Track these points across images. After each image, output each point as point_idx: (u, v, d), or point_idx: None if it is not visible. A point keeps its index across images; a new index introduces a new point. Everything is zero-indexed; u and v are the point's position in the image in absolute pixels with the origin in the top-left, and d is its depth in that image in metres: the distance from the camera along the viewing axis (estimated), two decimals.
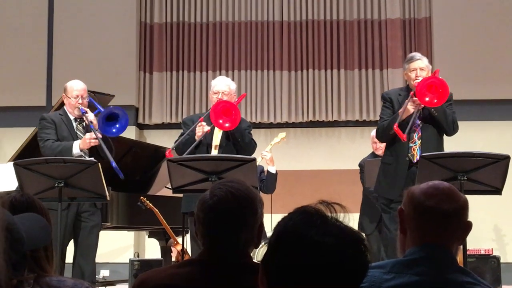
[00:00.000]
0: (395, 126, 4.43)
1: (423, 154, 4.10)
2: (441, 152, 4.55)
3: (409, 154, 4.60)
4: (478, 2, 7.65)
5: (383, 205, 4.64)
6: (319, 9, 7.95)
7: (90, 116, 4.71)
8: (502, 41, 7.58)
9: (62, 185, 4.12)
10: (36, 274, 1.70)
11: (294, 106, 7.86)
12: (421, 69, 4.67)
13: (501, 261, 6.35)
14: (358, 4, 7.93)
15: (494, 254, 6.39)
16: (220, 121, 4.63)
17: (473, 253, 6.20)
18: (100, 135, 4.64)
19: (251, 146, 4.81)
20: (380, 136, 4.76)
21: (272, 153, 5.69)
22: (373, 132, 5.30)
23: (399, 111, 4.54)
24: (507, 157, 3.93)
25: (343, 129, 7.88)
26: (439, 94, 4.45)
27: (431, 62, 7.75)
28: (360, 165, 6.12)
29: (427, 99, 4.44)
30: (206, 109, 7.92)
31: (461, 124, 7.49)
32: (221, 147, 4.77)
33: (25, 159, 4.50)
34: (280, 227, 1.32)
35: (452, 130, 4.69)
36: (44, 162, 4.17)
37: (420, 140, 4.61)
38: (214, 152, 4.78)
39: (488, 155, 4.00)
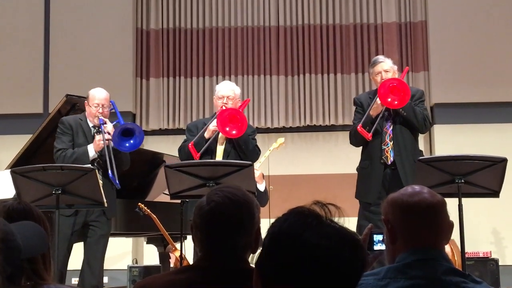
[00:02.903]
0: (358, 127, 4.49)
1: (420, 158, 4.12)
2: (439, 155, 4.58)
3: (382, 157, 4.63)
4: (474, 6, 7.67)
5: (363, 209, 4.67)
6: (315, 14, 7.96)
7: (108, 127, 4.73)
8: (498, 44, 7.59)
9: (59, 192, 4.11)
10: (34, 282, 1.70)
11: (291, 110, 7.86)
12: (386, 71, 4.70)
13: (500, 263, 6.34)
14: (354, 8, 7.94)
15: (492, 256, 6.39)
16: (227, 128, 4.64)
17: (471, 256, 6.20)
18: (108, 136, 4.66)
19: (255, 153, 4.82)
20: (352, 140, 4.78)
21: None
22: None
23: (369, 109, 4.59)
24: (504, 160, 3.94)
25: (341, 133, 7.87)
26: (401, 95, 4.48)
27: (427, 65, 7.80)
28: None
29: (389, 99, 4.48)
30: (204, 115, 7.93)
31: (458, 127, 7.59)
32: (225, 153, 4.78)
33: (22, 166, 4.50)
34: (275, 229, 1.30)
35: (424, 127, 4.71)
36: (41, 169, 4.16)
37: (392, 142, 4.63)
38: (219, 157, 4.78)
39: (485, 158, 4.01)
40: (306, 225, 1.27)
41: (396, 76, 4.75)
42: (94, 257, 4.73)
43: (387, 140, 4.65)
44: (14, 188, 4.23)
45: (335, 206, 1.35)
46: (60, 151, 4.75)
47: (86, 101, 4.90)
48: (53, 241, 3.95)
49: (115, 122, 4.81)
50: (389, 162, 4.62)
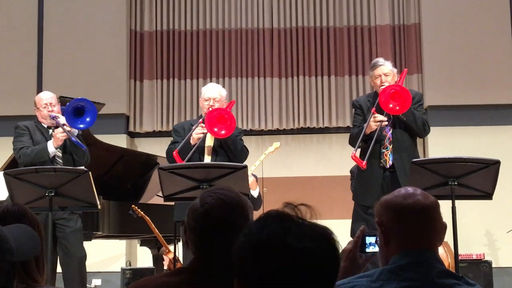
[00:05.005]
0: (352, 155, 4.49)
1: (414, 160, 4.11)
2: (432, 158, 4.58)
3: (381, 160, 4.62)
4: (467, 8, 7.69)
5: (361, 212, 4.66)
6: (309, 16, 7.97)
7: (62, 120, 4.75)
8: (491, 47, 7.62)
9: (52, 194, 4.10)
10: (26, 284, 1.69)
11: (285, 112, 7.86)
12: (385, 75, 4.70)
13: (493, 265, 6.36)
14: (348, 10, 7.96)
15: (486, 258, 6.41)
16: (215, 129, 4.62)
17: (464, 258, 6.22)
18: (68, 128, 4.69)
19: (243, 153, 4.80)
20: (352, 144, 4.78)
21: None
22: None
23: (364, 128, 4.57)
24: (497, 162, 3.95)
25: (334, 136, 7.89)
26: (402, 101, 4.48)
27: (420, 67, 7.82)
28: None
29: (390, 105, 4.48)
30: (197, 117, 7.92)
31: (451, 129, 7.61)
32: (214, 153, 4.77)
33: (15, 168, 4.48)
34: (253, 238, 1.29)
35: (423, 132, 4.71)
36: (34, 171, 4.15)
37: (391, 145, 4.63)
38: (207, 157, 4.76)
39: (478, 160, 4.01)
40: (286, 230, 1.27)
41: (396, 79, 4.75)
42: (71, 255, 4.68)
43: (387, 143, 4.65)
44: (7, 190, 4.22)
45: (306, 205, 1.37)
46: (21, 149, 4.77)
47: (35, 108, 4.95)
48: (46, 244, 3.93)
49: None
50: (388, 166, 4.62)
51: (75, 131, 4.80)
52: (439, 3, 7.74)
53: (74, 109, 4.68)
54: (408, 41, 7.90)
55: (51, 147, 4.73)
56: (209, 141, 4.80)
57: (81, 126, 4.72)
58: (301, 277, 1.24)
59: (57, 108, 4.89)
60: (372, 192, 4.56)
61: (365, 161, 4.50)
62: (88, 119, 4.70)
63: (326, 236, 1.30)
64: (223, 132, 4.61)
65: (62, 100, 5.32)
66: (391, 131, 4.67)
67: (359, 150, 4.69)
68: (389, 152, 4.63)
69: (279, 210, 1.35)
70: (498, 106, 7.56)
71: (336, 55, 7.91)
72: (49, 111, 4.82)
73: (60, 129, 4.70)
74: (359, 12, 7.94)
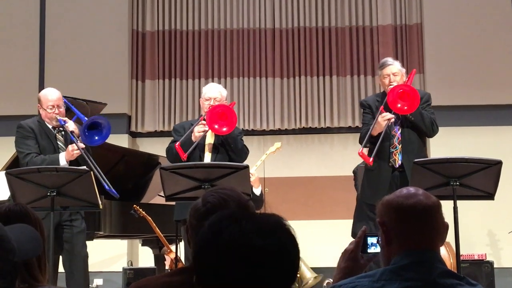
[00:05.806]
0: (360, 152, 4.49)
1: (416, 160, 4.11)
2: (434, 158, 4.58)
3: (390, 159, 4.63)
4: (469, 8, 7.69)
5: (369, 211, 4.66)
6: (311, 16, 7.97)
7: (70, 126, 4.65)
8: (493, 47, 7.61)
9: (54, 194, 4.10)
10: (28, 284, 1.70)
11: (286, 113, 7.86)
12: (394, 74, 4.71)
13: (495, 266, 6.35)
14: (350, 11, 7.96)
15: (487, 259, 6.40)
16: (216, 126, 4.63)
17: (466, 258, 6.21)
18: (82, 145, 4.58)
19: (244, 152, 4.81)
20: (361, 142, 4.78)
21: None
22: None
23: (370, 129, 4.57)
24: (499, 162, 3.95)
25: (336, 136, 7.88)
26: (410, 101, 4.49)
27: (422, 67, 7.81)
28: (354, 171, 6.13)
29: (398, 105, 4.49)
30: (199, 117, 7.92)
31: (453, 129, 7.60)
32: (214, 150, 4.77)
33: (17, 168, 4.48)
34: (213, 241, 1.28)
35: (431, 131, 4.72)
36: (36, 171, 4.15)
37: (400, 145, 4.64)
38: (208, 154, 4.77)
39: (480, 160, 4.01)
40: (243, 228, 1.28)
41: (404, 79, 4.76)
42: (75, 256, 4.65)
43: (396, 143, 4.65)
44: (9, 189, 4.22)
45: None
46: (29, 155, 4.64)
47: (39, 105, 4.79)
48: (48, 244, 3.93)
49: (75, 118, 4.76)
50: (397, 165, 4.62)
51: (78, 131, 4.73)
52: (441, 3, 7.74)
53: (90, 124, 4.61)
54: (410, 41, 7.89)
55: (63, 160, 4.62)
56: (210, 139, 4.81)
57: (96, 138, 4.62)
58: (266, 272, 1.25)
59: (63, 109, 4.76)
60: (380, 192, 4.55)
61: (371, 158, 4.50)
62: (101, 134, 4.60)
63: (280, 223, 1.31)
64: (224, 129, 4.62)
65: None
66: (400, 130, 4.68)
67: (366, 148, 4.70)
68: (398, 152, 4.64)
69: (229, 210, 1.37)
70: (500, 106, 7.55)
71: (338, 55, 7.90)
72: (55, 114, 4.69)
73: (74, 146, 4.55)
74: (361, 12, 7.94)
